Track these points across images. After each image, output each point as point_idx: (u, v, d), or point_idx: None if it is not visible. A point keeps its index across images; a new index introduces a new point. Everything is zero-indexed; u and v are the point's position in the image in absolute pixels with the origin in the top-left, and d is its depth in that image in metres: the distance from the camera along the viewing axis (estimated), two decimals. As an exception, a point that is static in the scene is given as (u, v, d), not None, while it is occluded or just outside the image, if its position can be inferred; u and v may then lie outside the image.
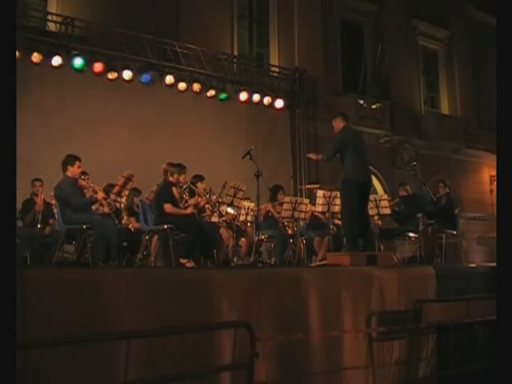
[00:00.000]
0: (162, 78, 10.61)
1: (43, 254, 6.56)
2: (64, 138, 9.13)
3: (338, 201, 7.19)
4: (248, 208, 7.85)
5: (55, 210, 6.55)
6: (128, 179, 7.02)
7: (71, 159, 6.17)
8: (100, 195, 6.26)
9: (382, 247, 8.18)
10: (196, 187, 7.13)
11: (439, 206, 8.55)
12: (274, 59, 13.26)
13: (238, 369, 3.60)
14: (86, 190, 6.47)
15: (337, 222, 7.85)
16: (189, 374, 3.33)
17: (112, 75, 9.98)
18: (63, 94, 9.65)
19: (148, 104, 10.36)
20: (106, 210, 6.80)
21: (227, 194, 7.38)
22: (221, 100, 11.38)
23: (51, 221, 6.97)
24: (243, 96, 11.56)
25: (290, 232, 8.16)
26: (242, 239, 8.08)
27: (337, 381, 4.42)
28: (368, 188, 6.60)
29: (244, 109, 11.74)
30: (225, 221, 7.66)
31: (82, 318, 3.12)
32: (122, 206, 7.28)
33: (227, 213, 7.82)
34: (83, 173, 6.46)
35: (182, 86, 10.79)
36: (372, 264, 5.64)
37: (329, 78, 13.76)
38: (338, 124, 6.56)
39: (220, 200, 7.45)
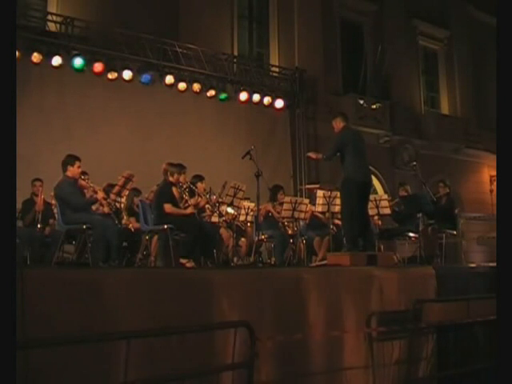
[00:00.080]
0: (162, 77, 10.61)
1: (43, 254, 6.56)
2: (64, 137, 9.13)
3: (338, 201, 7.19)
4: (248, 208, 7.85)
5: (55, 210, 6.55)
6: (128, 179, 7.01)
7: (71, 159, 6.17)
8: (100, 195, 6.26)
9: (381, 247, 8.18)
10: (196, 187, 7.13)
11: (439, 206, 8.55)
12: (274, 59, 13.26)
13: (238, 369, 3.60)
14: (86, 190, 6.47)
15: (337, 221, 7.85)
16: (189, 374, 3.33)
17: (112, 75, 9.98)
18: (63, 94, 9.64)
19: (148, 104, 10.35)
20: (105, 209, 6.80)
21: (227, 194, 7.38)
22: (221, 100, 11.37)
23: (51, 221, 6.97)
24: (243, 96, 11.56)
25: (290, 232, 8.17)
26: (242, 239, 8.08)
27: (337, 381, 4.42)
28: (368, 188, 6.60)
29: (244, 109, 11.74)
30: (225, 221, 7.66)
31: (81, 318, 3.12)
32: (122, 205, 7.28)
33: (227, 213, 7.82)
34: (83, 173, 6.45)
35: (181, 85, 10.79)
36: (372, 264, 5.64)
37: (329, 78, 13.76)
38: (338, 124, 6.56)
39: (220, 200, 7.45)
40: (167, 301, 3.50)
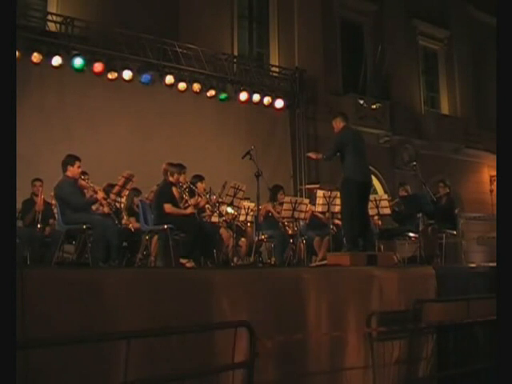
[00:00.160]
0: (162, 77, 10.61)
1: (43, 254, 6.56)
2: (64, 138, 9.13)
3: (338, 201, 7.19)
4: (248, 208, 7.85)
5: (55, 210, 6.55)
6: (128, 179, 7.01)
7: (71, 159, 6.17)
8: (100, 195, 6.26)
9: (382, 247, 8.18)
10: (196, 187, 7.13)
11: (439, 206, 8.55)
12: (274, 59, 13.26)
13: (238, 369, 3.60)
14: (86, 190, 6.48)
15: (337, 221, 7.85)
16: (189, 374, 3.33)
17: (112, 75, 9.99)
18: (63, 94, 9.65)
19: (148, 104, 10.35)
20: (105, 210, 6.80)
21: (227, 194, 7.38)
22: (221, 100, 11.38)
23: (51, 221, 6.97)
24: (243, 96, 11.56)
25: (289, 232, 8.17)
26: (242, 239, 8.08)
27: (337, 381, 4.42)
28: (368, 188, 6.60)
29: (244, 109, 11.74)
30: (225, 221, 7.66)
31: (81, 318, 3.12)
32: (122, 206, 7.28)
33: (227, 213, 7.82)
34: (83, 173, 6.46)
35: (181, 85, 10.79)
36: (372, 264, 5.64)
37: (329, 78, 13.76)
38: (338, 124, 6.56)
39: (220, 200, 7.45)
40: (167, 301, 3.50)
